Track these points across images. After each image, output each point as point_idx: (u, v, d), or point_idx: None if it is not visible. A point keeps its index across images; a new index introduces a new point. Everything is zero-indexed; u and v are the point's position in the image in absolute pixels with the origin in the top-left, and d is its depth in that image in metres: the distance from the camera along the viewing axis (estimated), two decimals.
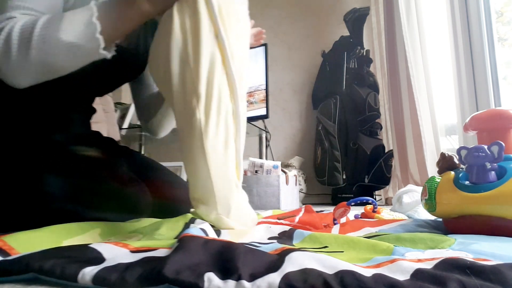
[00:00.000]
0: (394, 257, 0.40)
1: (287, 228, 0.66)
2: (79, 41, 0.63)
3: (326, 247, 0.52)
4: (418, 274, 0.33)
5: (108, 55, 0.66)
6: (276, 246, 0.46)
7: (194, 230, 0.51)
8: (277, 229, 0.67)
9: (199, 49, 0.62)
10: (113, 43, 0.67)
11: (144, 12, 0.67)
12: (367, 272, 0.34)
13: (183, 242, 0.43)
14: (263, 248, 0.47)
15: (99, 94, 0.98)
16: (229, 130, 0.65)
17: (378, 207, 0.90)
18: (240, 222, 0.65)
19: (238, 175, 0.68)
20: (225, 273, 0.35)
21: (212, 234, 0.53)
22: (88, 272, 0.36)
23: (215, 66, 0.63)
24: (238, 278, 0.33)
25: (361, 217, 0.90)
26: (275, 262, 0.37)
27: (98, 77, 0.83)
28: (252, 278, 0.33)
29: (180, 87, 0.63)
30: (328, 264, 0.36)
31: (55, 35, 0.62)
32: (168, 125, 1.02)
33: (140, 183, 0.80)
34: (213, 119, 0.62)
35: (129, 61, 0.88)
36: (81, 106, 0.92)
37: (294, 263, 0.36)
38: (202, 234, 0.50)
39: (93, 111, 0.97)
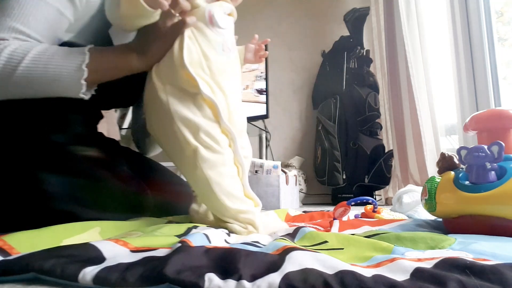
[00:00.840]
0: (394, 256, 0.40)
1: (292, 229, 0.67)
2: (63, 82, 0.65)
3: (326, 242, 0.52)
4: (418, 273, 0.34)
5: (86, 97, 0.68)
6: (277, 245, 0.46)
7: (197, 235, 0.51)
8: (285, 231, 0.67)
9: (185, 113, 0.64)
10: (94, 86, 0.70)
11: (133, 68, 0.70)
12: (367, 272, 0.34)
13: (184, 245, 0.44)
14: (265, 248, 0.47)
15: (104, 108, 0.98)
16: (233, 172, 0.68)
17: (378, 207, 0.90)
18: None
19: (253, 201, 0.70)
20: (225, 274, 0.35)
21: (215, 240, 0.53)
22: (89, 272, 0.36)
23: (205, 120, 0.65)
24: (238, 278, 0.33)
25: (361, 217, 0.90)
26: (275, 262, 0.37)
27: (108, 96, 0.84)
28: (253, 278, 0.33)
29: (177, 145, 0.65)
30: (328, 264, 0.36)
31: (42, 71, 0.64)
32: (158, 148, 1.03)
33: (141, 183, 0.80)
34: (215, 167, 0.64)
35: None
36: (87, 108, 0.92)
37: (294, 262, 0.36)
38: (205, 240, 0.50)
39: (100, 116, 0.96)
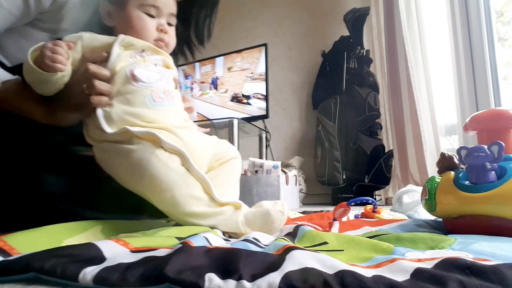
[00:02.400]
0: (394, 257, 0.40)
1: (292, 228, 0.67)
2: None
3: (326, 243, 0.52)
4: (418, 274, 0.34)
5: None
6: (278, 245, 0.47)
7: (198, 237, 0.51)
8: (286, 230, 0.67)
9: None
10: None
11: (37, 118, 0.72)
12: (367, 273, 0.34)
13: (185, 246, 0.44)
14: (267, 249, 0.47)
15: None
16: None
17: (378, 207, 0.90)
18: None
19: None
20: (226, 274, 0.35)
21: (215, 242, 0.53)
22: (89, 272, 0.36)
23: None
24: (238, 278, 0.33)
25: (361, 217, 0.90)
26: (275, 261, 0.37)
27: None
28: (253, 278, 0.33)
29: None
30: (328, 264, 0.36)
31: None
32: None
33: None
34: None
35: None
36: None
37: (294, 262, 0.36)
38: (205, 242, 0.50)
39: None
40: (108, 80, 0.68)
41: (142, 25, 0.75)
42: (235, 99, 2.23)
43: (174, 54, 0.88)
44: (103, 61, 0.70)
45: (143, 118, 0.67)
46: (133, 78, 0.69)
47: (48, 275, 0.37)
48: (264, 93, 2.11)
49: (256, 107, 2.13)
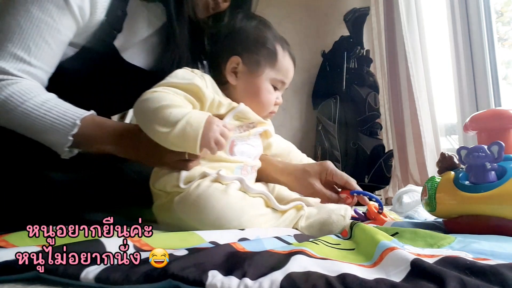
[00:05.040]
0: (394, 245, 0.41)
1: None
2: (49, 139, 0.67)
3: (338, 244, 0.52)
4: (417, 263, 0.34)
5: (66, 157, 0.69)
6: (289, 247, 0.47)
7: (204, 245, 0.51)
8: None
9: None
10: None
11: (117, 154, 0.70)
12: (369, 275, 0.35)
13: (192, 248, 0.44)
14: (283, 246, 0.47)
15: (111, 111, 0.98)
16: None
17: (384, 210, 0.82)
18: None
19: None
20: (230, 272, 0.35)
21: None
22: (92, 270, 0.36)
23: None
24: (242, 276, 0.33)
25: (366, 217, 0.86)
26: (280, 261, 0.38)
27: (112, 96, 0.83)
28: (256, 276, 0.34)
29: None
30: (332, 269, 0.36)
31: (34, 121, 0.66)
32: None
33: (141, 183, 0.80)
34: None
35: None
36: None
37: (299, 264, 0.36)
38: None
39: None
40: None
41: (268, 100, 0.75)
42: None
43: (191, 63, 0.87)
44: None
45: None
46: (231, 151, 0.70)
47: (49, 274, 0.37)
48: None
49: None
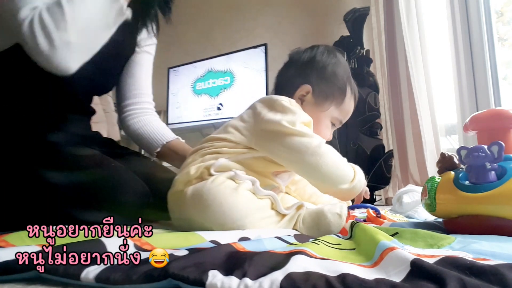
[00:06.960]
0: (394, 245, 0.41)
1: None
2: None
3: (339, 244, 0.52)
4: (417, 264, 0.34)
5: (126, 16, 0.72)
6: (289, 247, 0.47)
7: (205, 244, 0.51)
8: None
9: None
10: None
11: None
12: (369, 275, 0.35)
13: (192, 248, 0.44)
14: (283, 246, 0.47)
15: (98, 92, 0.98)
16: None
17: (382, 211, 0.85)
18: None
19: None
20: (230, 272, 0.35)
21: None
22: (92, 270, 0.36)
23: None
24: (242, 276, 0.33)
25: (366, 222, 0.87)
26: (280, 261, 0.38)
27: (94, 73, 0.82)
28: (257, 276, 0.34)
29: None
30: (332, 269, 0.36)
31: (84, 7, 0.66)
32: None
33: (140, 182, 0.80)
34: None
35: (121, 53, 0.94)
36: (80, 106, 0.92)
37: (299, 264, 0.36)
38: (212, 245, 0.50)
39: (93, 112, 0.97)
40: None
41: (324, 135, 0.80)
42: None
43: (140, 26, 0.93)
44: None
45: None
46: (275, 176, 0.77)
47: (49, 274, 0.37)
48: (264, 93, 2.11)
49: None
